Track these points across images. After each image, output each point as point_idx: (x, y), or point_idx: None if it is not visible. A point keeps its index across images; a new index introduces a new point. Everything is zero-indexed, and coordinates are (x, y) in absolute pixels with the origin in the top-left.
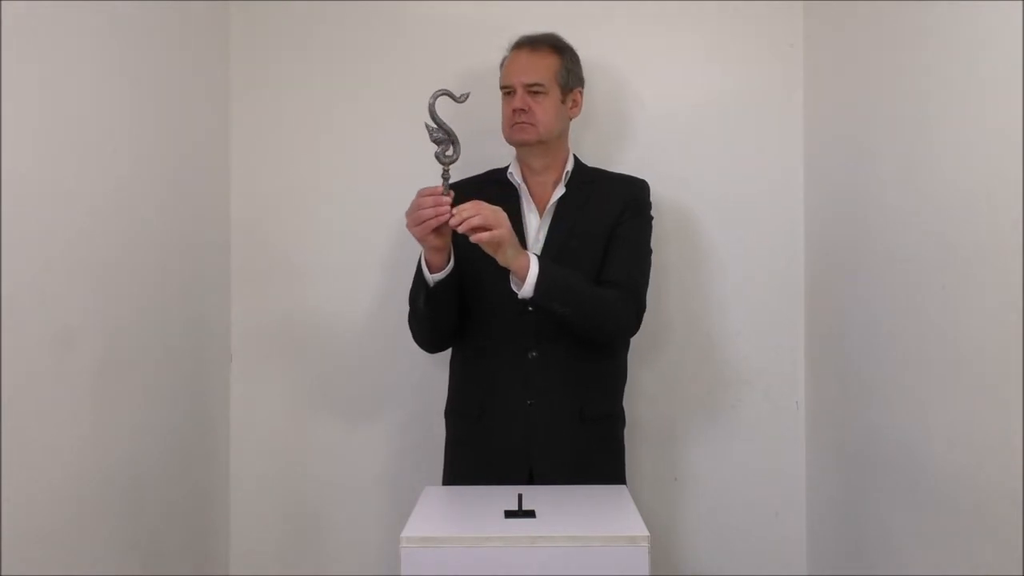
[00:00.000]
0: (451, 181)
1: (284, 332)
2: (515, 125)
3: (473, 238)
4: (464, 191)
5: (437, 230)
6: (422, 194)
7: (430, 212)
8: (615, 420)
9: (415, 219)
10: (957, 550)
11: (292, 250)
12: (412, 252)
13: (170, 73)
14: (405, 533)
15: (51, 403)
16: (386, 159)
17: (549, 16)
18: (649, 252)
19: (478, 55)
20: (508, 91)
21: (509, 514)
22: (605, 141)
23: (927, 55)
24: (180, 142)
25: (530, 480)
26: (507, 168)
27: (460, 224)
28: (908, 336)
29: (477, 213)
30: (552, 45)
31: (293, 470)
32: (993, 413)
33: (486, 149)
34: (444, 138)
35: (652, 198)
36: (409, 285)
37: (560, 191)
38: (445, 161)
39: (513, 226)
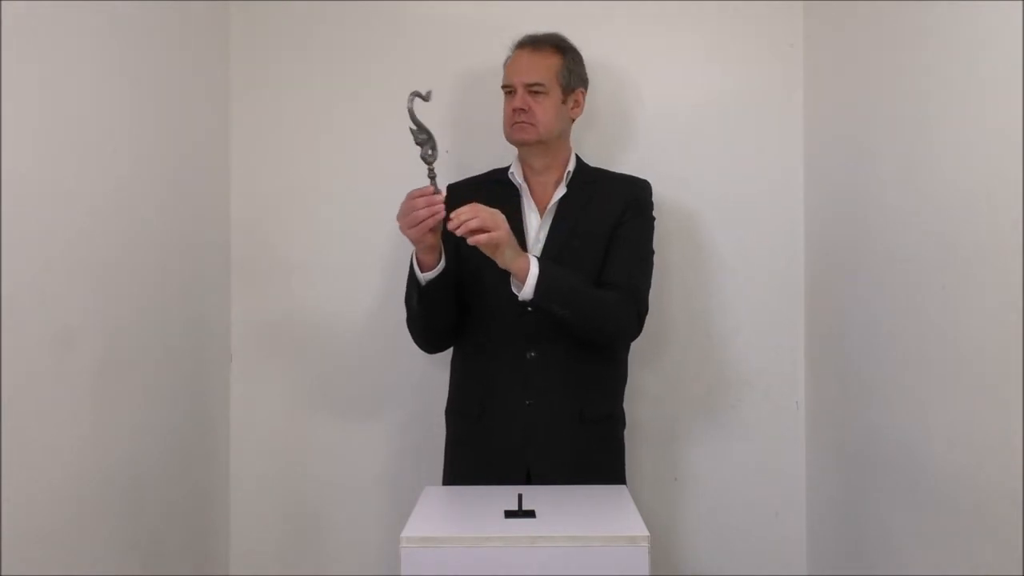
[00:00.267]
0: (453, 181)
1: (284, 332)
2: (515, 125)
3: (471, 240)
4: (465, 191)
5: (431, 229)
6: (413, 195)
7: (424, 212)
8: (615, 421)
9: (410, 220)
10: (957, 550)
11: (292, 250)
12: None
13: (170, 73)
14: (405, 533)
15: (51, 403)
16: (386, 159)
17: (549, 16)
18: (651, 253)
19: (478, 55)
20: (509, 90)
21: (509, 514)
22: (605, 141)
23: (927, 55)
24: (180, 142)
25: (528, 481)
26: (508, 168)
27: (458, 227)
28: (908, 336)
29: (475, 216)
30: (554, 45)
31: (293, 470)
32: (993, 413)
33: (488, 149)
34: (426, 139)
35: (653, 198)
36: None
37: (561, 191)
38: (430, 160)
39: (514, 226)
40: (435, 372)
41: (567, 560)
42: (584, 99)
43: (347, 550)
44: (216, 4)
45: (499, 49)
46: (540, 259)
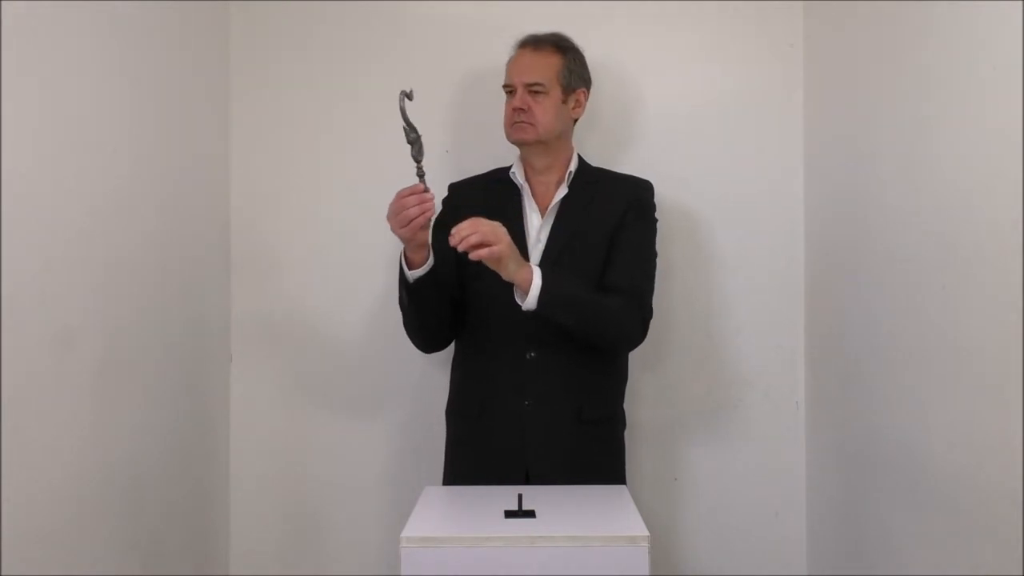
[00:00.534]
0: (454, 181)
1: (284, 332)
2: (515, 124)
3: (473, 255)
4: (467, 190)
5: (422, 227)
6: (402, 195)
7: (416, 211)
8: (615, 422)
9: (402, 219)
10: (957, 550)
11: (292, 250)
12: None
13: (170, 73)
14: (405, 533)
15: (51, 403)
16: (386, 159)
17: (549, 16)
18: (654, 255)
19: (478, 55)
20: (509, 90)
21: (509, 514)
22: (605, 141)
23: (927, 55)
24: (180, 142)
25: (527, 481)
26: (510, 167)
27: (459, 243)
28: (908, 336)
29: (475, 231)
30: (555, 45)
31: (293, 470)
32: (993, 413)
33: (488, 149)
34: (416, 137)
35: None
36: None
37: (563, 191)
38: (419, 158)
39: (515, 226)
40: (435, 372)
41: (567, 560)
42: (586, 99)
43: (347, 550)
44: (216, 4)
45: (499, 49)
46: (543, 268)
